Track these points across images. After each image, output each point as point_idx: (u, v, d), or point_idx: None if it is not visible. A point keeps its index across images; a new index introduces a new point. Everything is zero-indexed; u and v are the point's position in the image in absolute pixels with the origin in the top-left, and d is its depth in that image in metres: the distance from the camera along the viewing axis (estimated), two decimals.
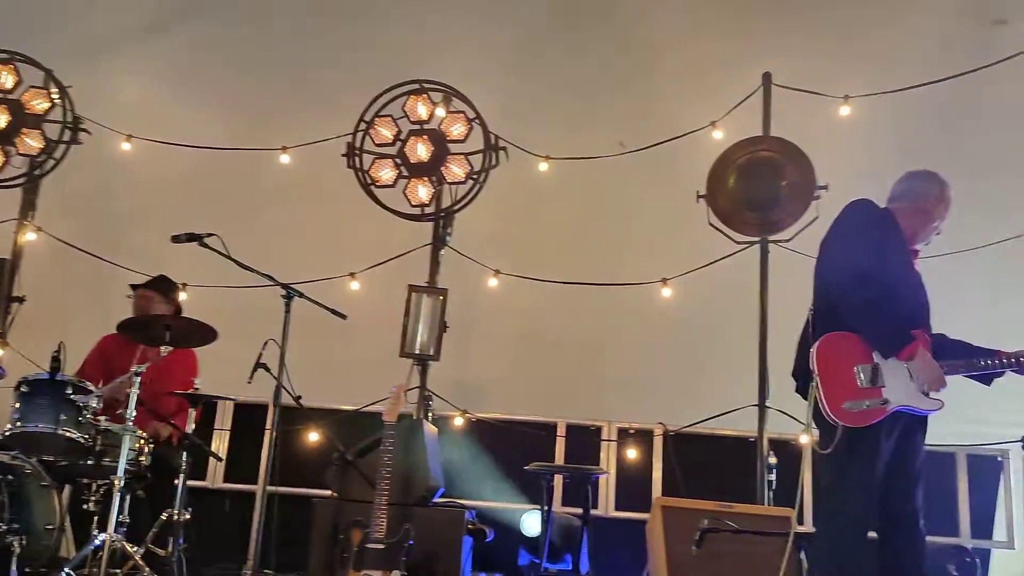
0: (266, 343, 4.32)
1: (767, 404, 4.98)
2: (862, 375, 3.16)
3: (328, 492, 4.55)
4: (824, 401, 3.18)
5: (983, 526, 5.59)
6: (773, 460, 4.91)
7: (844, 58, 5.67)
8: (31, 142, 5.67)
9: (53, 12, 6.24)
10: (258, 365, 4.31)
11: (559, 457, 5.66)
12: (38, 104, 5.68)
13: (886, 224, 3.36)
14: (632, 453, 5.63)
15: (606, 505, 5.57)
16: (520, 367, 6.12)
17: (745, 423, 5.11)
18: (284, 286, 4.33)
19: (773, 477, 4.88)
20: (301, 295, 4.34)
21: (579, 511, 4.65)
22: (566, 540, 4.66)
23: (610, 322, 6.08)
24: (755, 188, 4.98)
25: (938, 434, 5.63)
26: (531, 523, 4.74)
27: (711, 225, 5.18)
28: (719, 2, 6.13)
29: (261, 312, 4.91)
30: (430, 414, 5.32)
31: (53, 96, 5.72)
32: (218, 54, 6.41)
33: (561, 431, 5.73)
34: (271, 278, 4.35)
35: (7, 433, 3.92)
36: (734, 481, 5.10)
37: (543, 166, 5.82)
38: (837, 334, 3.22)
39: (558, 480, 5.23)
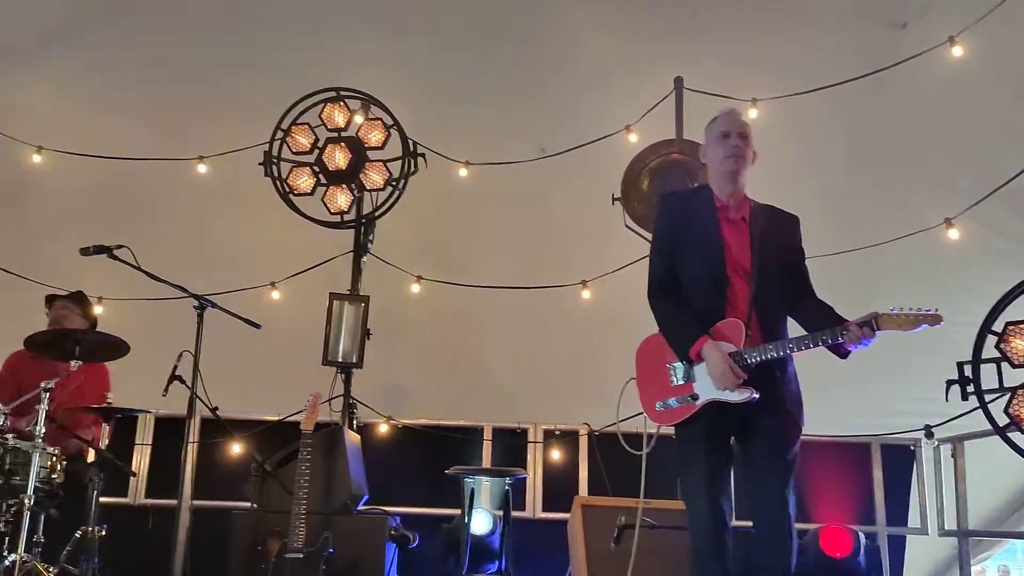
0: (181, 355, 4.28)
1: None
2: (676, 373, 3.10)
3: (246, 503, 4.50)
4: (640, 402, 3.18)
5: (899, 514, 5.79)
6: None
7: (752, 61, 5.82)
8: None
9: None
10: (173, 377, 4.26)
11: (486, 460, 5.70)
12: None
13: (661, 214, 3.28)
14: (558, 455, 5.70)
15: (533, 507, 5.62)
16: (446, 372, 6.16)
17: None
18: (196, 296, 4.29)
19: None
20: (214, 305, 4.30)
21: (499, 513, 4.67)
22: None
23: (533, 325, 6.15)
24: (667, 189, 5.08)
25: (854, 425, 5.89)
26: (479, 522, 4.73)
27: (627, 228, 5.27)
28: (630, 5, 6.24)
29: (178, 324, 4.87)
30: (355, 422, 5.30)
31: None
32: (131, 63, 6.29)
33: (488, 435, 5.76)
34: (183, 289, 4.31)
35: None
36: (659, 479, 5.19)
37: (463, 171, 5.87)
38: (657, 335, 3.19)
39: (485, 483, 5.26)
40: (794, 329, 3.19)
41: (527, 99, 6.23)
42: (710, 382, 3.02)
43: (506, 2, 6.24)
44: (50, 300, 4.94)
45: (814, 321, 3.10)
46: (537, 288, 5.75)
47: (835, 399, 4.98)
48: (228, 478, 5.22)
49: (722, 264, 3.10)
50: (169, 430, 5.56)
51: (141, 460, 5.60)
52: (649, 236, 5.28)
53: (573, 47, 6.17)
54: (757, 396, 2.99)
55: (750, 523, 3.08)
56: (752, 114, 5.47)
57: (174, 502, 5.18)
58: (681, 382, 3.09)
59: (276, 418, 5.49)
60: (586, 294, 5.74)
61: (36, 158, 5.94)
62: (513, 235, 6.28)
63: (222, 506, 5.08)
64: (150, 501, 5.51)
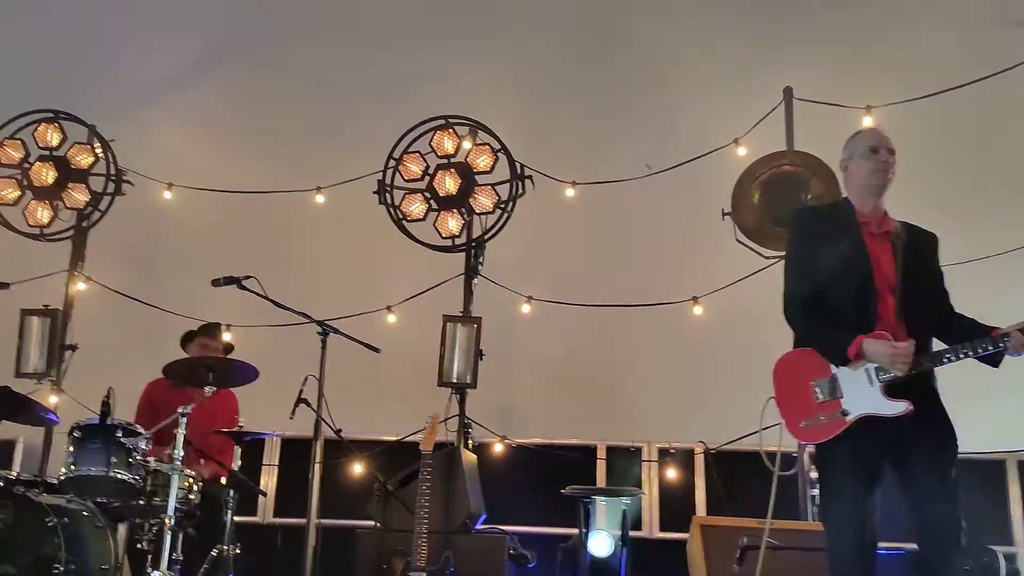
0: (306, 379, 4.45)
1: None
2: (819, 389, 3.03)
3: (370, 523, 4.64)
4: (783, 422, 3.12)
5: None
6: (815, 475, 4.88)
7: (864, 66, 5.67)
8: (77, 196, 5.92)
9: (92, 68, 6.49)
10: (299, 401, 4.44)
11: (600, 479, 5.69)
12: (83, 159, 5.95)
13: (798, 229, 3.28)
14: (674, 473, 5.64)
15: (650, 526, 5.57)
16: (558, 391, 6.19)
17: (788, 438, 5.09)
18: (319, 323, 4.46)
19: (816, 492, 4.85)
20: (336, 331, 4.46)
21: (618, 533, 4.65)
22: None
23: (644, 342, 6.12)
24: (780, 203, 5.00)
25: (987, 441, 5.60)
26: (600, 543, 4.73)
27: (739, 242, 5.21)
28: (733, 15, 6.18)
29: (300, 349, 5.08)
30: (470, 441, 5.39)
31: (97, 150, 5.98)
32: (249, 100, 6.63)
33: (601, 453, 5.76)
34: (307, 316, 4.49)
35: (62, 477, 4.07)
36: (778, 498, 5.08)
37: (570, 191, 5.91)
38: (796, 351, 3.15)
39: (601, 503, 5.26)
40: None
41: (631, 115, 6.24)
42: (861, 397, 2.96)
43: (607, 19, 6.28)
44: (191, 335, 5.22)
45: (964, 336, 3.03)
46: (647, 305, 5.72)
47: (966, 415, 4.77)
48: (351, 497, 5.38)
49: (870, 278, 3.06)
50: (294, 451, 5.78)
51: (269, 480, 5.83)
52: (761, 250, 5.23)
53: (677, 60, 6.16)
54: (912, 408, 2.91)
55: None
56: (866, 122, 5.32)
57: (301, 521, 5.41)
58: (827, 399, 3.04)
59: (395, 438, 5.63)
60: (697, 310, 5.67)
61: (167, 195, 6.29)
62: (621, 253, 6.29)
63: (346, 525, 5.23)
64: (278, 520, 5.73)
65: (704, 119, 6.07)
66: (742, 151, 5.61)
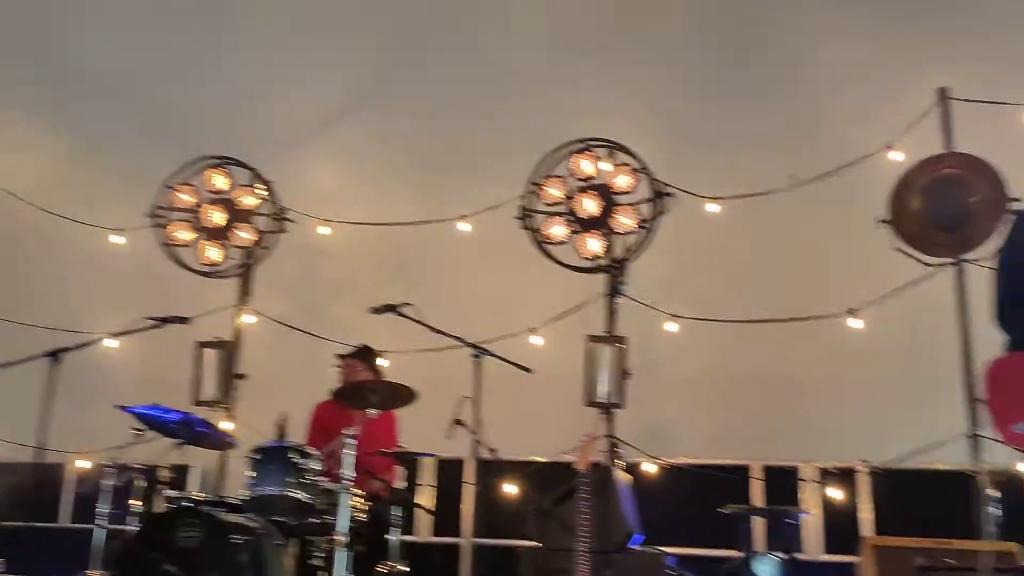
0: (460, 400, 4.58)
1: (980, 433, 4.69)
2: None
3: (530, 542, 4.70)
4: (994, 424, 3.03)
5: None
6: (994, 493, 4.61)
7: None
8: (244, 235, 6.35)
9: (252, 114, 6.94)
10: (455, 422, 4.57)
11: (755, 500, 5.55)
12: (248, 200, 6.38)
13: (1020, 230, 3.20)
14: (835, 493, 5.43)
15: (812, 548, 5.39)
16: (707, 410, 6.09)
17: (953, 455, 4.84)
18: (473, 346, 4.58)
19: (995, 511, 4.57)
20: (489, 353, 4.58)
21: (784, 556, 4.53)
22: None
23: (797, 358, 5.95)
24: (942, 208, 4.80)
25: None
26: (766, 568, 4.64)
27: (897, 249, 5.00)
28: (880, 13, 5.96)
29: (451, 372, 5.24)
30: (620, 461, 5.39)
31: (260, 191, 6.41)
32: (395, 135, 6.91)
33: (756, 473, 5.62)
34: (461, 339, 4.63)
35: (244, 497, 4.35)
36: (949, 517, 4.82)
37: (712, 207, 5.85)
38: (1012, 356, 3.04)
39: (758, 523, 5.14)
40: None
41: (775, 126, 6.12)
42: None
43: (741, 26, 6.20)
44: (340, 356, 5.49)
45: None
46: (800, 320, 5.56)
47: None
48: (506, 517, 5.46)
49: None
50: (448, 471, 5.94)
51: (424, 500, 6.01)
52: (924, 257, 5.01)
53: (819, 64, 6.00)
54: None
55: None
56: None
57: (458, 540, 5.56)
58: None
59: (547, 459, 5.69)
60: (853, 322, 5.47)
61: (323, 230, 6.63)
62: (769, 266, 6.15)
63: (500, 544, 5.33)
64: (435, 539, 5.89)
65: (851, 122, 5.89)
66: (895, 155, 5.40)
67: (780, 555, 4.52)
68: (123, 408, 4.58)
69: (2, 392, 5.21)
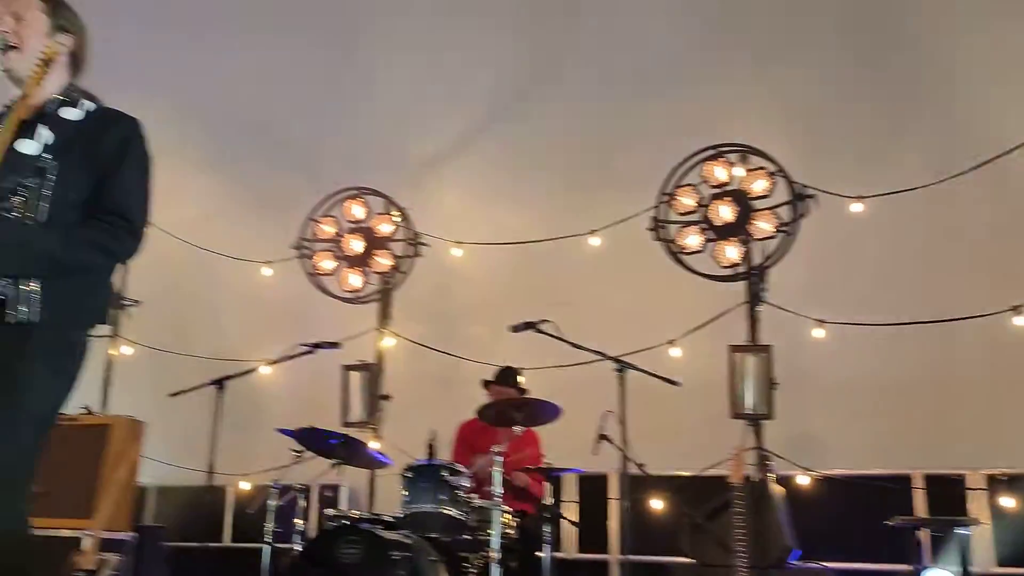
0: (604, 415, 4.57)
1: None
2: None
3: (684, 559, 4.63)
4: None
5: None
6: None
7: None
8: (382, 261, 6.58)
9: (384, 145, 7.17)
10: (601, 437, 4.56)
11: (918, 511, 5.27)
12: (384, 227, 6.61)
13: None
14: (1008, 501, 5.09)
15: (983, 561, 5.06)
16: (860, 418, 5.83)
17: None
18: (616, 360, 4.57)
19: None
20: (634, 367, 4.55)
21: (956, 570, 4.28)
22: None
23: (955, 359, 5.64)
24: None
25: None
26: None
27: None
28: None
29: (588, 387, 5.23)
30: (772, 474, 5.24)
31: (395, 218, 6.63)
32: (521, 155, 7.00)
33: (918, 483, 5.34)
34: (602, 354, 4.62)
35: (399, 514, 4.48)
36: None
37: (856, 207, 5.63)
38: None
39: (924, 536, 4.87)
40: None
41: (916, 119, 5.85)
42: None
43: (878, 21, 5.96)
44: (486, 383, 5.57)
45: None
46: (959, 320, 5.27)
47: None
48: (654, 532, 5.39)
49: None
50: (591, 487, 5.92)
51: (569, 516, 6.00)
52: None
53: (961, 49, 5.69)
54: None
55: None
56: None
57: (606, 556, 5.53)
58: None
59: (691, 472, 5.60)
60: (1018, 320, 5.14)
61: (456, 252, 6.78)
62: (917, 266, 5.86)
63: (650, 560, 5.26)
64: (583, 555, 5.88)
65: (999, 114, 5.55)
66: None
67: (953, 569, 4.27)
68: (283, 431, 4.80)
69: (174, 419, 5.53)
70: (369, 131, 6.94)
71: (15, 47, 2.44)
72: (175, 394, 4.95)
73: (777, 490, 4.84)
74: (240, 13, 6.63)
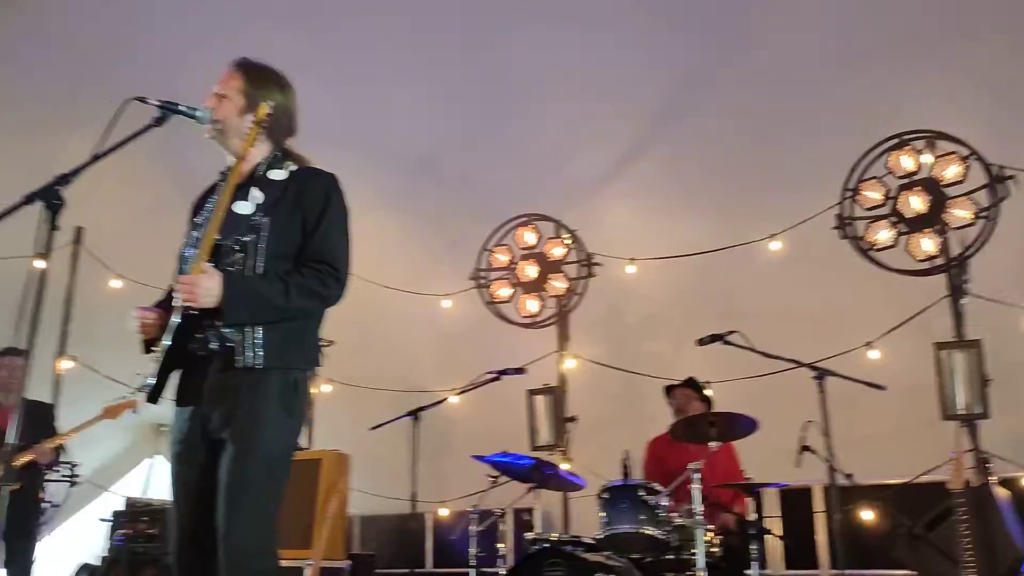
0: (806, 425, 4.40)
1: None
2: None
3: (904, 571, 4.37)
4: None
5: None
6: None
7: None
8: (557, 284, 6.67)
9: (550, 169, 7.21)
10: (804, 448, 4.39)
11: None
12: (556, 251, 6.70)
13: None
14: None
15: None
16: None
17: None
18: (813, 367, 4.40)
19: None
20: (834, 373, 4.36)
21: None
22: None
23: None
24: None
25: None
26: None
27: None
28: None
29: (780, 397, 5.05)
30: (993, 476, 4.85)
31: (566, 241, 6.70)
32: (687, 165, 6.86)
33: None
34: (797, 362, 4.46)
35: (599, 536, 4.48)
36: None
37: None
38: None
39: None
40: None
41: None
42: None
43: None
44: (669, 388, 5.51)
45: None
46: None
47: None
48: (866, 544, 5.12)
49: None
50: (794, 500, 5.70)
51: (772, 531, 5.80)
52: None
53: None
54: None
55: None
56: None
57: (816, 572, 5.30)
58: None
59: (902, 479, 5.28)
60: None
61: (629, 269, 6.75)
62: None
63: (864, 574, 4.99)
64: (790, 572, 5.66)
65: None
66: None
67: None
68: (477, 458, 4.93)
69: (372, 451, 5.80)
70: (534, 157, 7.04)
71: (220, 121, 2.69)
72: (376, 427, 5.18)
73: (1002, 493, 4.48)
74: (396, 48, 6.86)
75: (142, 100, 2.57)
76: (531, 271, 6.76)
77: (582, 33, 6.44)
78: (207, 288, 2.42)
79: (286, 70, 2.85)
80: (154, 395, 2.53)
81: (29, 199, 2.32)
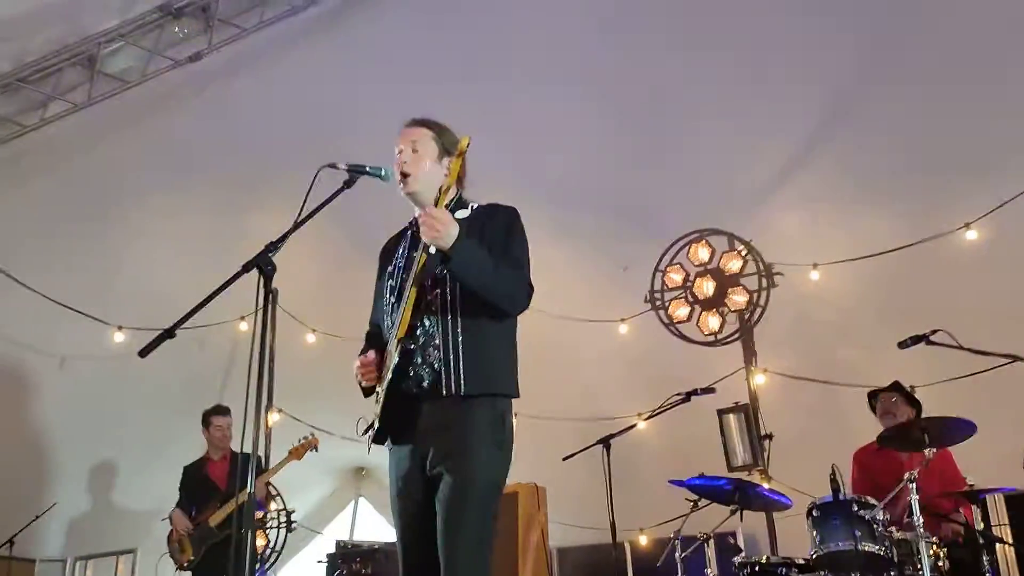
0: None
1: None
2: None
3: None
4: None
5: None
6: None
7: None
8: (737, 299, 6.52)
9: (716, 181, 7.02)
10: None
11: None
12: (733, 265, 6.56)
13: None
14: None
15: None
16: None
17: None
18: None
19: None
20: None
21: None
22: None
23: None
24: None
25: None
26: None
27: None
28: None
29: (995, 396, 4.66)
30: None
31: (742, 253, 6.55)
32: (862, 159, 6.50)
33: None
34: (1015, 356, 4.13)
35: (813, 555, 4.28)
36: None
37: None
38: None
39: None
40: None
41: None
42: None
43: None
44: (873, 395, 5.22)
45: None
46: None
47: None
48: None
49: None
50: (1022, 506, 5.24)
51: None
52: None
53: None
54: None
55: None
56: None
57: None
58: None
59: None
60: None
61: (813, 275, 6.45)
62: None
63: None
64: None
65: None
66: None
67: None
68: (675, 482, 4.86)
69: (565, 482, 5.82)
70: (698, 172, 6.92)
71: (409, 175, 2.85)
72: (567, 457, 5.21)
73: None
74: (547, 76, 6.92)
75: (333, 166, 2.76)
76: (708, 287, 6.63)
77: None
78: (448, 227, 2.58)
79: (451, 120, 3.02)
80: (380, 437, 2.69)
81: (247, 267, 2.52)
